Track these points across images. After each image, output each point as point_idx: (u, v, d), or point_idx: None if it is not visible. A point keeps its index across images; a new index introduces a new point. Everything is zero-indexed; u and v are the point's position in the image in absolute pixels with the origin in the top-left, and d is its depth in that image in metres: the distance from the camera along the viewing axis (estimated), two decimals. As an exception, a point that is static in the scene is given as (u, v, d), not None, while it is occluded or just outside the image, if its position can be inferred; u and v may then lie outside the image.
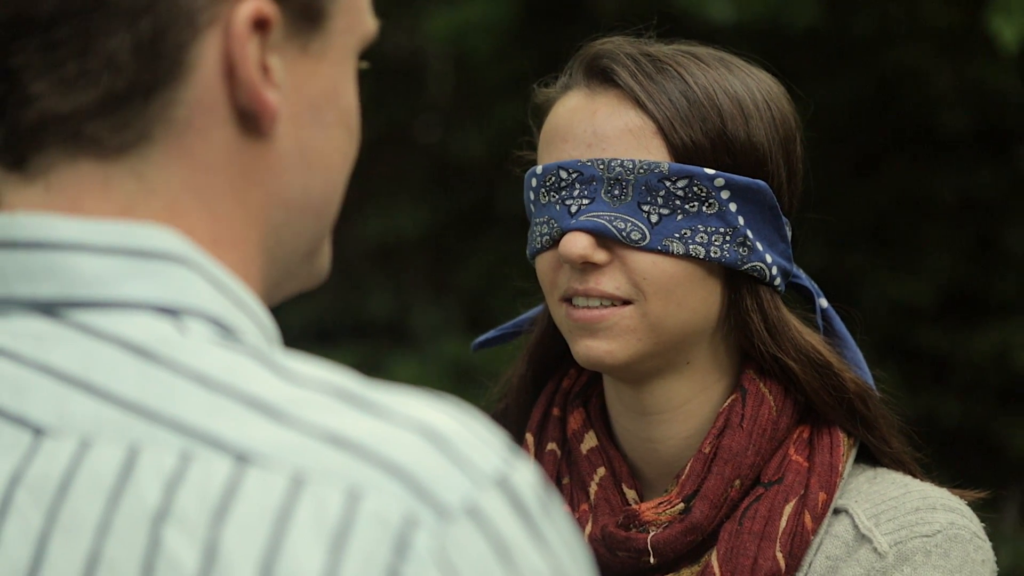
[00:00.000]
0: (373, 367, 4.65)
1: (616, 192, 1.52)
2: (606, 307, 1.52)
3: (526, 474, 0.84)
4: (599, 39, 1.60)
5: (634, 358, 1.53)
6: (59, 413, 0.85)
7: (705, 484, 1.54)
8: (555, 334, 1.61)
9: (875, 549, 1.52)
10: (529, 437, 1.64)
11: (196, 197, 0.90)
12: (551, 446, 1.63)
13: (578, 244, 1.51)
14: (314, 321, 5.08)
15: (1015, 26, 3.82)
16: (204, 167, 0.90)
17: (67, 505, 0.83)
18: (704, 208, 1.52)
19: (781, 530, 1.52)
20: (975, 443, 4.82)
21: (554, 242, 1.54)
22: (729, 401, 1.56)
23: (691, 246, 1.52)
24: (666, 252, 1.51)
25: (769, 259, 1.55)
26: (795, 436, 1.57)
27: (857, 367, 1.62)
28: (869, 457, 1.60)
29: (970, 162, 5.01)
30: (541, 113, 1.60)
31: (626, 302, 1.52)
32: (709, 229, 1.52)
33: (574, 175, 1.53)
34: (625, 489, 1.58)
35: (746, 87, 1.55)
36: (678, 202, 1.52)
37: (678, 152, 1.52)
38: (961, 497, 1.57)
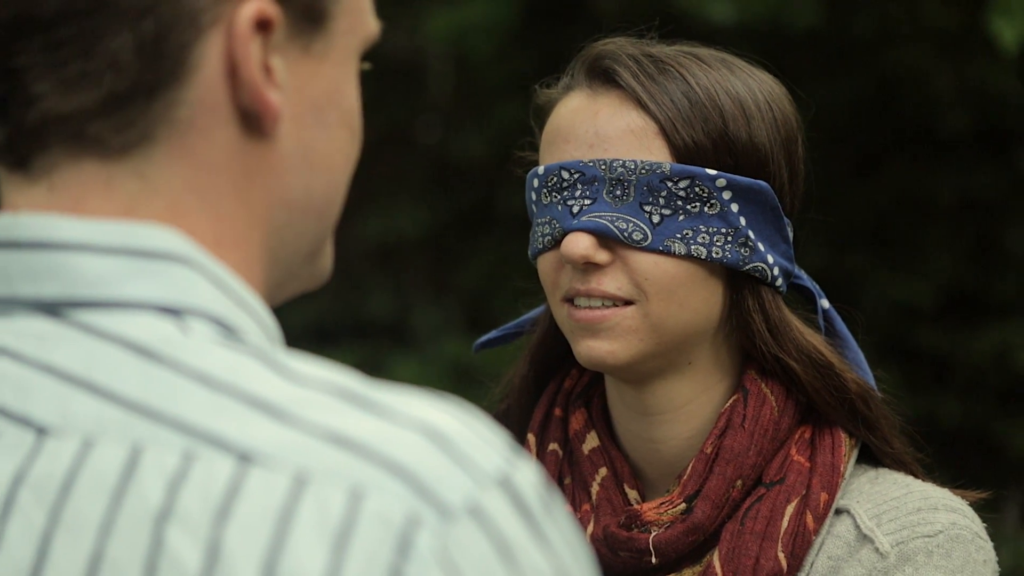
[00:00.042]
0: (374, 367, 4.65)
1: (618, 192, 1.52)
2: (608, 307, 1.52)
3: (528, 474, 0.84)
4: (601, 40, 1.61)
5: (636, 358, 1.53)
6: (62, 413, 0.85)
7: (707, 484, 1.54)
8: (557, 334, 1.61)
9: (877, 549, 1.52)
10: (531, 437, 1.64)
11: (198, 197, 0.90)
12: (553, 446, 1.63)
13: (580, 244, 1.51)
14: (314, 321, 5.08)
15: (1015, 27, 3.82)
16: (206, 167, 0.90)
17: (70, 504, 0.83)
18: (706, 209, 1.52)
19: (783, 530, 1.52)
20: (975, 443, 4.82)
21: (556, 242, 1.54)
22: (731, 401, 1.56)
23: (693, 246, 1.52)
24: (668, 252, 1.52)
25: (771, 260, 1.55)
26: (797, 436, 1.57)
27: (859, 367, 1.62)
28: (871, 457, 1.60)
29: (970, 163, 5.02)
30: (543, 114, 1.60)
31: (628, 302, 1.52)
32: (711, 230, 1.52)
33: (576, 175, 1.53)
34: (627, 489, 1.58)
35: (748, 88, 1.55)
36: (680, 203, 1.52)
37: (680, 153, 1.52)
38: (963, 497, 1.57)
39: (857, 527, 1.54)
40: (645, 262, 1.52)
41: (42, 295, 0.88)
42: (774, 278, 1.56)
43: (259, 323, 0.92)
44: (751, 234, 1.54)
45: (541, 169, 1.56)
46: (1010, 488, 4.38)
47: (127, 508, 0.82)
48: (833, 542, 1.54)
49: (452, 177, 5.56)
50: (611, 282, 1.52)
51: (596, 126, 1.54)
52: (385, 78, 5.01)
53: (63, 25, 0.87)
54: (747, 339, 1.56)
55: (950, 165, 5.02)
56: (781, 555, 1.51)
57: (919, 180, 5.04)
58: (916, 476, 1.59)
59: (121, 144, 0.89)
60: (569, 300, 1.54)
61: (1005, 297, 5.01)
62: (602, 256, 1.52)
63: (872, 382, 1.62)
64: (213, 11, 0.89)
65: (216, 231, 0.91)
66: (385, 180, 5.32)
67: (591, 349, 1.53)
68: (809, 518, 1.53)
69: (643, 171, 1.52)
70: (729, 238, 1.53)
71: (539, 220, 1.57)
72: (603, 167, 1.52)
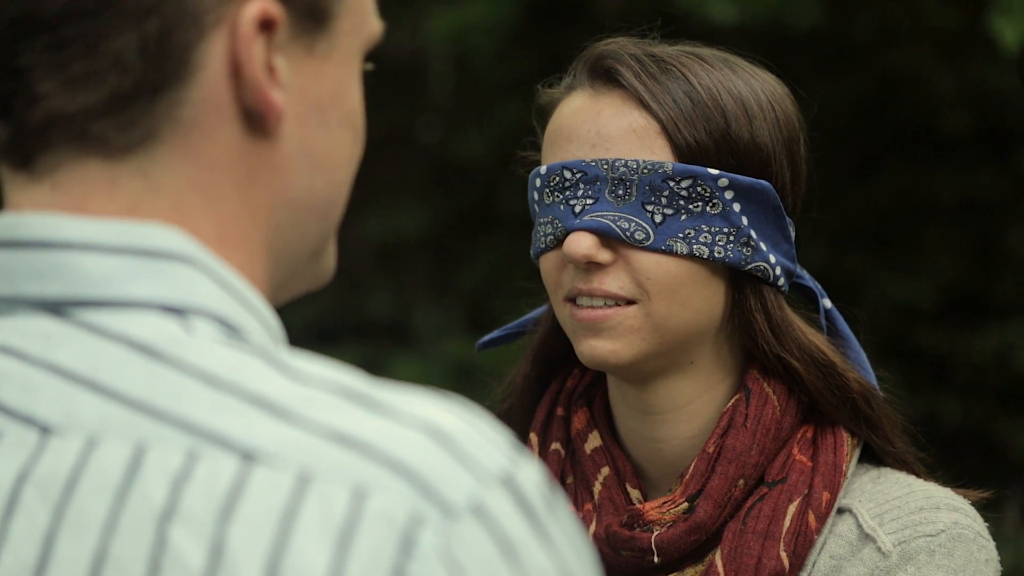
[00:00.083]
0: (374, 367, 4.64)
1: (620, 192, 1.52)
2: (610, 307, 1.52)
3: (531, 473, 0.84)
4: (603, 40, 1.61)
5: (638, 358, 1.53)
6: (66, 412, 0.85)
7: (709, 484, 1.54)
8: (559, 334, 1.61)
9: (879, 548, 1.52)
10: (533, 437, 1.64)
11: (202, 197, 0.90)
12: (555, 446, 1.63)
13: (582, 244, 1.51)
14: (315, 321, 5.08)
15: (1016, 27, 3.83)
16: (210, 166, 0.90)
17: (74, 503, 0.83)
18: (708, 208, 1.52)
19: (785, 529, 1.52)
20: (976, 444, 4.82)
21: (558, 242, 1.54)
22: (733, 401, 1.57)
23: (695, 246, 1.52)
24: (670, 252, 1.52)
25: (773, 259, 1.55)
26: (799, 436, 1.57)
27: (861, 367, 1.62)
28: (873, 457, 1.60)
29: (971, 163, 5.02)
30: (545, 113, 1.60)
31: (630, 302, 1.52)
32: (713, 229, 1.52)
33: (578, 175, 1.54)
34: (629, 489, 1.58)
35: (750, 88, 1.55)
36: (682, 202, 1.52)
37: (682, 152, 1.52)
38: (964, 497, 1.57)
39: (859, 526, 1.54)
40: (647, 262, 1.52)
41: (46, 294, 0.88)
42: (776, 278, 1.56)
43: (262, 323, 0.92)
44: (753, 234, 1.54)
45: (543, 169, 1.56)
46: (1011, 488, 4.38)
47: (131, 507, 0.82)
48: (835, 541, 1.54)
49: (453, 177, 5.56)
50: (613, 281, 1.52)
51: (598, 126, 1.54)
52: (386, 78, 5.01)
53: (67, 24, 0.87)
54: (749, 338, 1.56)
55: (950, 165, 5.02)
56: (783, 554, 1.51)
57: (919, 180, 5.04)
58: (918, 475, 1.59)
59: (125, 143, 0.89)
60: (571, 300, 1.54)
61: (1005, 297, 5.01)
62: (604, 256, 1.52)
63: (874, 381, 1.62)
64: (217, 11, 0.89)
65: (219, 230, 0.91)
66: (386, 180, 5.32)
67: (593, 348, 1.53)
68: (811, 517, 1.53)
69: (645, 171, 1.52)
70: (731, 238, 1.53)
71: (541, 220, 1.57)
72: (605, 167, 1.52)
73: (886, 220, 5.08)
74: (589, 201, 1.53)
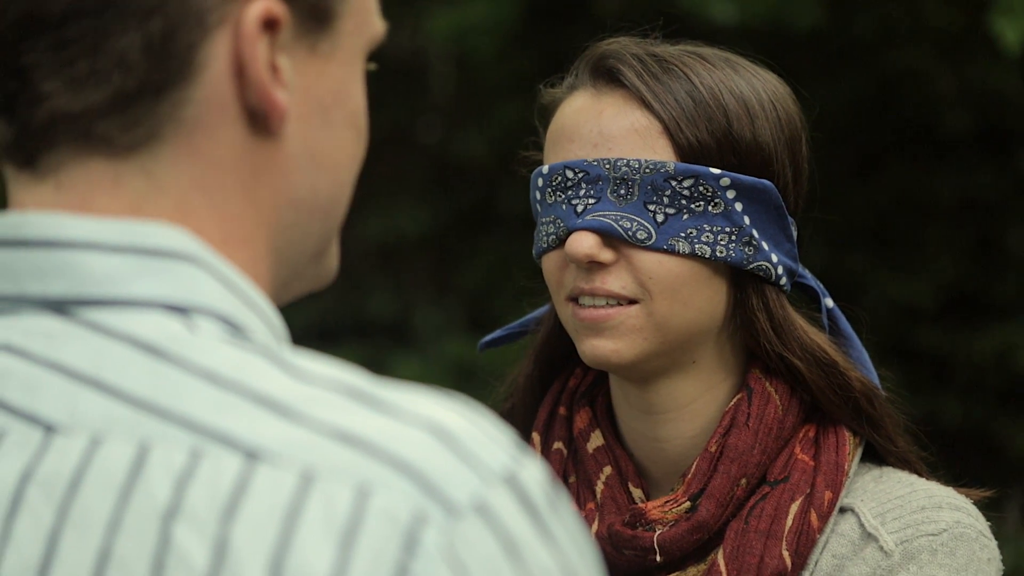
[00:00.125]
0: (375, 367, 4.63)
1: (622, 192, 1.52)
2: (612, 306, 1.52)
3: (534, 471, 0.85)
4: (605, 40, 1.61)
5: (640, 357, 1.53)
6: (70, 411, 0.85)
7: (711, 483, 1.54)
8: (561, 333, 1.62)
9: (881, 548, 1.52)
10: (535, 436, 1.64)
11: (205, 196, 0.91)
12: (557, 445, 1.63)
13: (584, 243, 1.51)
14: (316, 321, 5.08)
15: (1017, 27, 3.83)
16: (213, 166, 0.91)
17: (78, 502, 0.83)
18: (710, 208, 1.53)
19: (787, 528, 1.52)
20: (976, 444, 4.82)
21: (560, 241, 1.54)
22: (735, 400, 1.57)
23: (697, 245, 1.52)
24: (672, 251, 1.52)
25: (775, 258, 1.55)
26: (801, 435, 1.57)
27: (863, 366, 1.62)
28: (875, 456, 1.60)
29: (971, 163, 5.02)
30: (547, 113, 1.61)
31: (632, 301, 1.52)
32: (715, 228, 1.53)
33: (580, 175, 1.54)
34: (631, 488, 1.59)
35: (752, 87, 1.55)
36: (684, 202, 1.52)
37: (684, 152, 1.52)
38: (966, 496, 1.57)
39: (861, 525, 1.54)
40: (649, 261, 1.52)
41: (49, 293, 0.88)
42: (778, 277, 1.56)
43: (266, 322, 0.92)
44: (755, 233, 1.54)
45: (545, 168, 1.57)
46: (1011, 488, 4.38)
47: (135, 505, 0.82)
48: (837, 540, 1.54)
49: (453, 177, 5.56)
50: (615, 281, 1.52)
51: (600, 125, 1.54)
52: (386, 78, 5.00)
53: (71, 24, 0.87)
54: (751, 338, 1.56)
55: (951, 165, 5.02)
56: (785, 553, 1.51)
57: (920, 180, 5.04)
58: (920, 475, 1.59)
59: (128, 143, 0.89)
60: (573, 299, 1.54)
61: (1005, 297, 5.01)
62: (606, 255, 1.52)
63: (876, 381, 1.62)
64: (220, 10, 0.89)
65: (223, 230, 0.91)
66: (386, 180, 5.32)
67: (595, 348, 1.53)
68: (813, 516, 1.53)
69: (647, 170, 1.52)
70: (733, 237, 1.53)
71: (543, 219, 1.57)
72: (607, 166, 1.53)
73: (886, 220, 5.08)
74: (591, 201, 1.53)
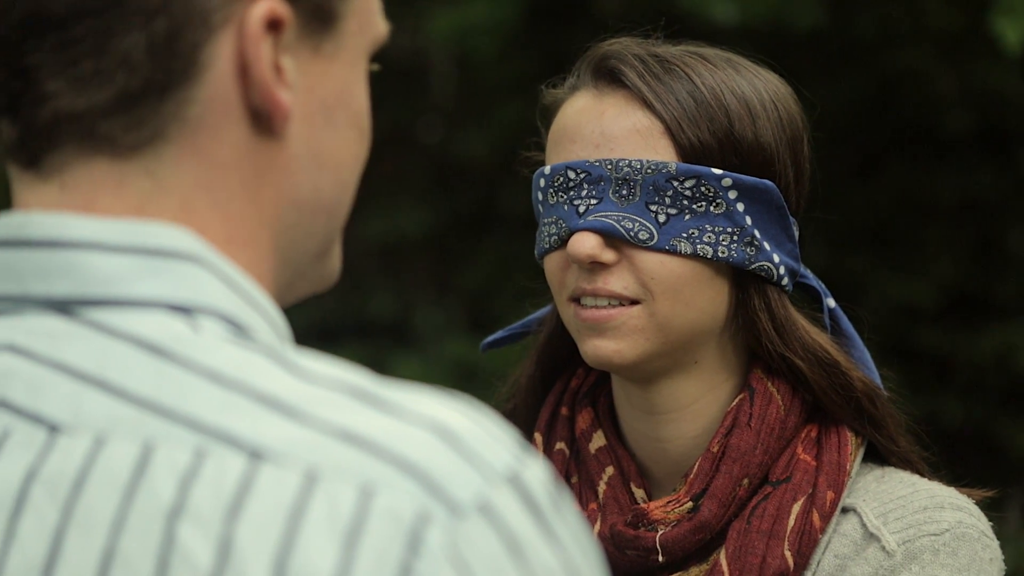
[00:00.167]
0: (376, 367, 4.63)
1: (624, 192, 1.53)
2: (614, 307, 1.53)
3: (537, 471, 0.85)
4: (606, 40, 1.61)
5: (642, 358, 1.53)
6: (74, 411, 0.85)
7: (713, 483, 1.54)
8: (563, 334, 1.62)
9: (883, 548, 1.52)
10: (538, 436, 1.64)
11: (209, 196, 0.91)
12: (560, 445, 1.63)
13: (586, 244, 1.51)
14: (317, 321, 5.08)
15: (1018, 27, 3.83)
16: (217, 166, 0.91)
17: (82, 501, 0.83)
18: (711, 208, 1.53)
19: (789, 528, 1.52)
20: (977, 444, 4.82)
21: (562, 242, 1.55)
22: (737, 400, 1.57)
23: (699, 246, 1.52)
24: (674, 252, 1.52)
25: (776, 259, 1.56)
26: (803, 435, 1.58)
27: (864, 366, 1.62)
28: (877, 456, 1.60)
29: (972, 163, 5.02)
30: (549, 114, 1.61)
31: (634, 302, 1.53)
32: (716, 229, 1.53)
33: (582, 175, 1.54)
34: (633, 488, 1.59)
35: (753, 88, 1.56)
36: (686, 202, 1.52)
37: (685, 152, 1.52)
38: (968, 496, 1.58)
39: (863, 525, 1.54)
40: (651, 261, 1.52)
41: (53, 293, 0.88)
42: (780, 277, 1.56)
43: (269, 322, 0.92)
44: (757, 233, 1.54)
45: (547, 169, 1.57)
46: (1012, 488, 4.38)
47: (139, 505, 0.82)
48: (839, 540, 1.54)
49: (453, 177, 5.56)
50: (617, 281, 1.52)
51: (602, 126, 1.54)
52: (387, 78, 5.00)
53: (76, 23, 0.88)
54: (753, 338, 1.57)
55: (951, 166, 5.02)
56: (788, 553, 1.52)
57: (920, 181, 5.04)
58: (922, 475, 1.59)
59: (132, 143, 0.89)
60: (575, 299, 1.54)
61: (1006, 298, 5.01)
62: (608, 255, 1.52)
63: (878, 380, 1.63)
64: (224, 10, 0.89)
65: (227, 230, 0.91)
66: (387, 180, 5.32)
67: (597, 348, 1.53)
68: (815, 516, 1.53)
69: (649, 171, 1.52)
70: (735, 237, 1.53)
71: (545, 220, 1.57)
72: (609, 167, 1.53)
73: (887, 220, 5.08)
74: (593, 201, 1.53)
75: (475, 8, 4.76)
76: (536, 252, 1.59)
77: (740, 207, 1.53)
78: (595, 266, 1.52)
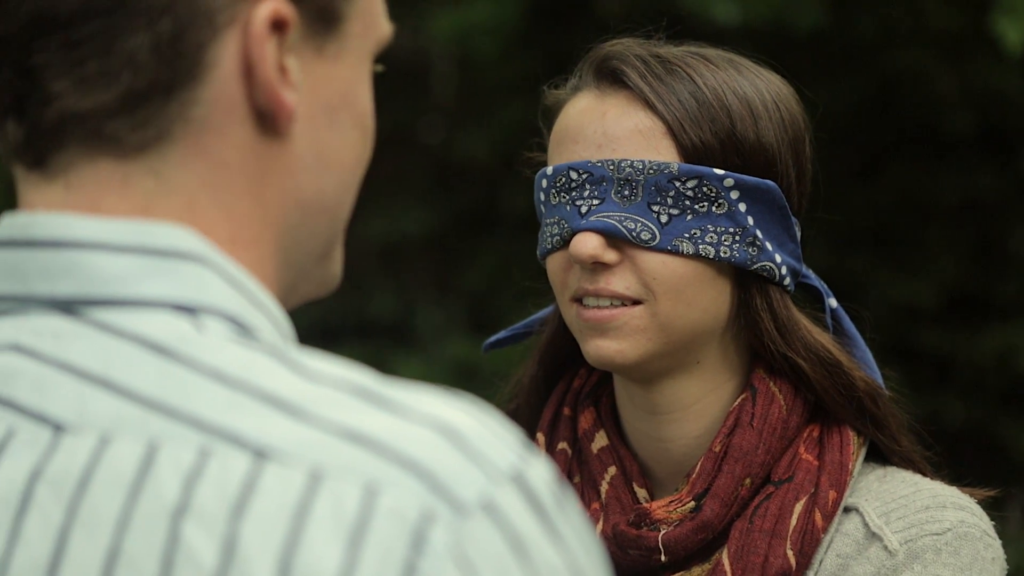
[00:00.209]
0: (377, 368, 4.62)
1: (626, 192, 1.53)
2: (616, 307, 1.53)
3: (541, 470, 0.85)
4: (609, 41, 1.61)
5: (644, 358, 1.54)
6: (79, 410, 0.85)
7: (716, 483, 1.54)
8: (566, 334, 1.62)
9: (885, 547, 1.53)
10: (540, 436, 1.64)
11: (213, 196, 0.91)
12: (562, 445, 1.63)
13: (588, 244, 1.52)
14: (318, 321, 5.08)
15: (1019, 27, 3.83)
16: (222, 166, 0.91)
17: (87, 500, 0.83)
18: (714, 208, 1.53)
19: (792, 528, 1.53)
20: (978, 444, 4.82)
21: (564, 242, 1.55)
22: (739, 400, 1.57)
23: (701, 246, 1.52)
24: (676, 252, 1.52)
25: (779, 259, 1.56)
26: (805, 435, 1.58)
27: (866, 366, 1.62)
28: (879, 456, 1.60)
29: (973, 164, 5.02)
30: (551, 114, 1.61)
31: (636, 302, 1.53)
32: (719, 229, 1.53)
33: (584, 176, 1.54)
34: (636, 488, 1.59)
35: (755, 88, 1.56)
36: (688, 202, 1.53)
37: (688, 153, 1.53)
38: (970, 496, 1.58)
39: (866, 525, 1.54)
40: (653, 262, 1.52)
41: (58, 293, 0.88)
42: (782, 277, 1.56)
43: (273, 322, 0.92)
44: (759, 233, 1.54)
45: (550, 170, 1.57)
46: (1013, 488, 4.38)
47: (144, 504, 0.82)
48: (842, 540, 1.54)
49: (455, 177, 5.56)
50: (619, 282, 1.53)
51: (604, 126, 1.55)
52: (388, 78, 4.99)
53: (81, 24, 0.88)
54: (755, 338, 1.57)
55: (952, 166, 5.02)
56: (790, 553, 1.52)
57: (921, 181, 5.04)
58: (924, 474, 1.60)
59: (137, 143, 0.90)
60: (578, 300, 1.54)
61: (1007, 298, 5.01)
62: (610, 256, 1.53)
63: (880, 380, 1.63)
64: (229, 11, 0.89)
65: (231, 230, 0.91)
66: (388, 180, 5.32)
67: (600, 348, 1.53)
68: (818, 516, 1.53)
69: (651, 171, 1.52)
70: (737, 237, 1.53)
71: (548, 220, 1.57)
72: (611, 167, 1.53)
73: (888, 220, 5.08)
74: (595, 202, 1.53)
75: (476, 8, 4.76)
76: (538, 252, 1.59)
77: (742, 207, 1.53)
78: (597, 266, 1.52)
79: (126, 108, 0.89)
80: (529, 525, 0.83)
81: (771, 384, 1.57)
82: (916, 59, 4.82)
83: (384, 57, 1.01)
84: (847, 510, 1.56)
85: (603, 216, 1.52)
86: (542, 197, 1.58)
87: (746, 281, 1.56)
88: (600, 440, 1.61)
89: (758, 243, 1.54)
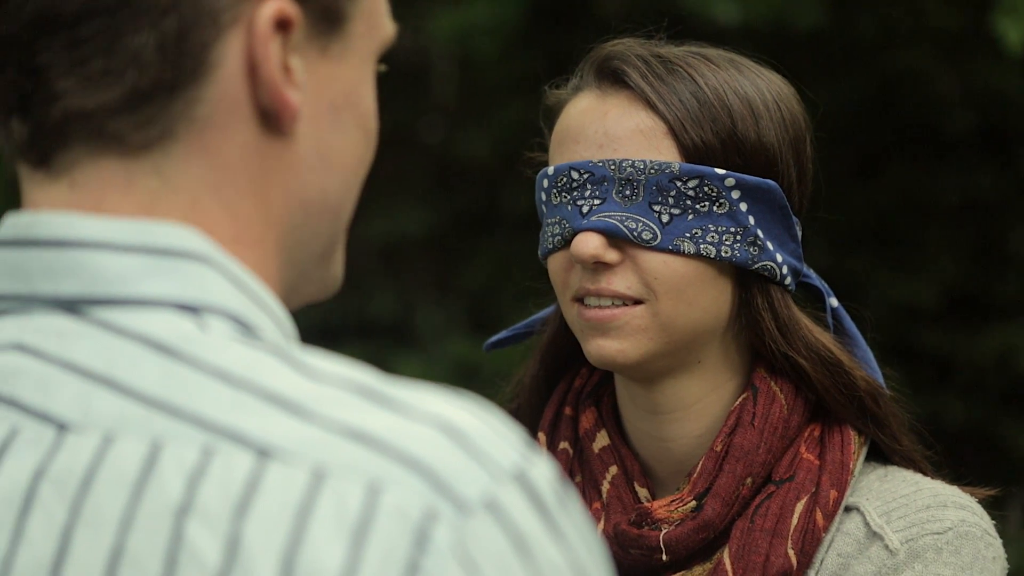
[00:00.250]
0: (378, 367, 4.62)
1: (627, 192, 1.53)
2: (617, 307, 1.53)
3: (543, 468, 0.85)
4: (610, 41, 1.61)
5: (645, 357, 1.54)
6: (83, 409, 0.85)
7: (717, 482, 1.55)
8: (567, 334, 1.62)
9: (886, 546, 1.53)
10: (541, 436, 1.65)
11: (217, 196, 0.91)
12: (563, 445, 1.63)
13: (590, 244, 1.52)
14: (318, 321, 5.08)
15: (1020, 27, 3.83)
16: (225, 165, 0.91)
17: (90, 499, 0.83)
18: (715, 208, 1.53)
19: (793, 527, 1.53)
20: (978, 444, 4.82)
21: (566, 242, 1.55)
22: (740, 399, 1.57)
23: (702, 246, 1.52)
24: (677, 252, 1.52)
25: (779, 258, 1.56)
26: (806, 434, 1.58)
27: (867, 365, 1.62)
28: (880, 455, 1.61)
29: (973, 164, 5.01)
30: (552, 114, 1.61)
31: (637, 302, 1.53)
32: (720, 229, 1.53)
33: (585, 176, 1.54)
34: (637, 487, 1.59)
35: (756, 88, 1.56)
36: (689, 202, 1.53)
37: (689, 152, 1.53)
38: (971, 495, 1.58)
39: (867, 524, 1.55)
40: (654, 261, 1.52)
41: (61, 293, 0.89)
42: (783, 277, 1.56)
43: (275, 321, 0.92)
44: (760, 233, 1.54)
45: (551, 170, 1.57)
46: (1014, 488, 4.37)
47: (147, 503, 0.83)
48: (843, 539, 1.55)
49: (455, 177, 5.56)
50: (621, 281, 1.53)
51: (605, 126, 1.55)
52: (389, 78, 4.99)
53: (86, 22, 0.88)
54: (756, 337, 1.57)
55: (953, 166, 5.02)
56: (791, 552, 1.52)
57: (921, 181, 5.04)
58: (925, 473, 1.60)
59: (141, 141, 0.90)
60: (579, 300, 1.55)
61: (1007, 298, 5.01)
62: (612, 255, 1.53)
63: (881, 380, 1.63)
64: (234, 10, 0.89)
65: (234, 229, 0.92)
66: (388, 180, 5.32)
67: (601, 348, 1.53)
68: (819, 515, 1.54)
69: (652, 171, 1.52)
70: (738, 237, 1.54)
71: (549, 220, 1.57)
72: (612, 167, 1.53)
73: (888, 220, 5.08)
74: (596, 201, 1.53)
75: (477, 8, 4.76)
76: (540, 252, 1.60)
77: (743, 207, 1.54)
78: (599, 266, 1.53)
79: (130, 107, 0.89)
80: (532, 524, 0.83)
81: (772, 384, 1.57)
82: (916, 59, 4.82)
83: (385, 57, 1.01)
84: (848, 509, 1.56)
85: (604, 216, 1.53)
86: (543, 197, 1.58)
87: (747, 281, 1.56)
88: (601, 440, 1.61)
89: (759, 243, 1.54)
